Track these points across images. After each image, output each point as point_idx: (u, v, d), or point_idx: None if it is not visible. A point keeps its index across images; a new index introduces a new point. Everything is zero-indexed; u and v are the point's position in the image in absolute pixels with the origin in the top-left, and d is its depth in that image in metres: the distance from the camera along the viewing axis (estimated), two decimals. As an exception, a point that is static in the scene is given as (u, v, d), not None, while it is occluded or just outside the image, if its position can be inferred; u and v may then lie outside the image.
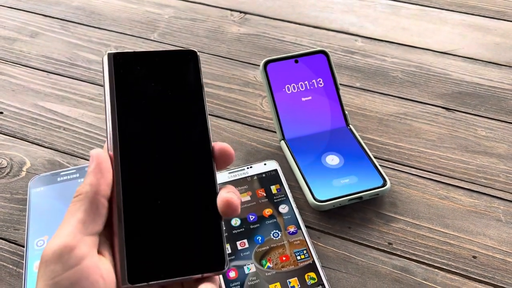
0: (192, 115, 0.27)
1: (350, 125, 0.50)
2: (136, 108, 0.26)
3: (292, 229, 0.42)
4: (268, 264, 0.39)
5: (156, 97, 0.27)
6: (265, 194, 0.44)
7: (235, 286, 0.38)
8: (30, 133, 0.51)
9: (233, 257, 0.40)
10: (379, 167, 0.45)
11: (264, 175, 0.46)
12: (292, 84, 0.50)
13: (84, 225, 0.24)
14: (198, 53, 0.28)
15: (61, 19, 0.68)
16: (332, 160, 0.47)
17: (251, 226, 0.42)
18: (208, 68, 0.60)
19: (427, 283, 0.39)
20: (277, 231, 0.42)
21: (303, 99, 0.50)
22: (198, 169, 0.27)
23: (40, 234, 0.41)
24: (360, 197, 0.43)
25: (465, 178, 0.47)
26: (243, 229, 0.42)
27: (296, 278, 0.39)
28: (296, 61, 0.50)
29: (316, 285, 0.38)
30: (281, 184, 0.45)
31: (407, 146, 0.50)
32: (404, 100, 0.56)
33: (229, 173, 0.46)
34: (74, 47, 0.63)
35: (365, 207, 0.44)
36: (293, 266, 0.39)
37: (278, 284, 0.38)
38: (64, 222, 0.24)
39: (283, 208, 0.43)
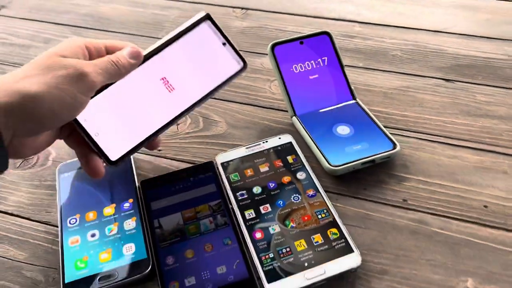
0: None
1: (357, 99, 0.52)
2: None
3: (311, 192, 0.44)
4: (291, 224, 0.42)
5: None
6: (282, 164, 0.47)
7: (262, 245, 0.40)
8: (53, 126, 0.54)
9: (257, 220, 0.42)
10: (388, 133, 0.48)
11: (279, 148, 0.48)
12: (299, 64, 0.53)
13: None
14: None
15: (71, 25, 0.71)
16: (343, 130, 0.49)
17: (272, 193, 0.44)
18: (216, 59, 0.62)
19: (444, 231, 0.41)
20: (297, 195, 0.44)
21: (311, 77, 0.53)
22: None
23: (72, 213, 0.43)
24: (373, 160, 0.46)
25: (470, 139, 0.50)
26: (265, 195, 0.44)
27: (319, 234, 0.41)
28: (301, 43, 0.53)
29: (338, 239, 0.40)
30: (297, 154, 0.48)
31: (412, 114, 0.53)
32: (405, 75, 0.59)
33: (246, 148, 0.48)
34: (87, 49, 0.66)
35: (377, 170, 0.47)
36: (315, 224, 0.41)
37: (302, 240, 0.40)
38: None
39: (301, 175, 0.46)
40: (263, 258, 0.39)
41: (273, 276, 0.38)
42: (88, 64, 0.35)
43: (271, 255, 0.39)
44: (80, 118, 0.38)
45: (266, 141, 0.49)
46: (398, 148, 0.46)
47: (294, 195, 0.44)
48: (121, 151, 0.40)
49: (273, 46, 0.52)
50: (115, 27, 0.70)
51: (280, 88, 0.52)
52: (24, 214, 0.45)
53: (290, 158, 0.47)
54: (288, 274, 0.38)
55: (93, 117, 0.39)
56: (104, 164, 0.39)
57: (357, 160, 0.45)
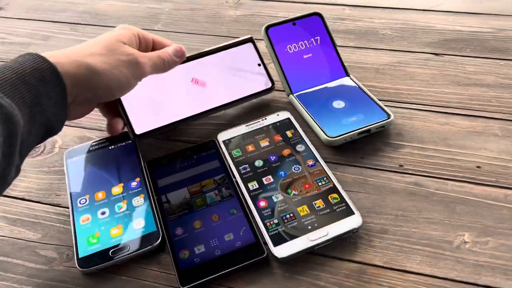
0: None
1: (351, 75, 0.54)
2: None
3: (310, 162, 0.46)
4: (293, 192, 0.43)
5: None
6: (281, 139, 0.48)
7: (266, 212, 0.42)
8: (57, 117, 0.55)
9: (261, 190, 0.44)
10: (381, 104, 0.50)
11: (278, 124, 0.50)
12: (293, 44, 0.55)
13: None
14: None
15: (69, 22, 0.73)
16: (339, 104, 0.51)
17: (273, 165, 0.46)
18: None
19: (439, 191, 0.43)
20: (297, 165, 0.46)
21: (305, 56, 0.55)
22: None
23: (82, 194, 0.45)
24: (369, 130, 0.48)
25: (461, 106, 0.52)
26: (267, 168, 0.46)
27: (320, 199, 0.42)
28: (294, 24, 0.55)
29: (339, 203, 0.42)
30: (295, 129, 0.49)
31: (404, 87, 0.55)
32: (395, 52, 0.61)
33: (246, 126, 0.50)
34: (86, 44, 0.67)
35: (373, 139, 0.49)
36: (316, 191, 0.43)
37: (305, 206, 0.42)
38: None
39: (300, 147, 0.47)
40: (268, 224, 0.41)
41: (278, 239, 0.40)
42: (143, 56, 0.42)
43: (276, 221, 0.41)
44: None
45: (265, 118, 0.51)
46: (392, 117, 0.48)
47: (295, 165, 0.46)
48: (145, 128, 0.48)
49: (267, 28, 0.54)
50: (112, 22, 0.72)
51: (275, 68, 0.54)
52: (35, 198, 0.46)
53: (289, 133, 0.49)
54: (293, 237, 0.40)
55: (131, 97, 0.47)
56: (131, 136, 0.48)
57: (354, 131, 0.47)
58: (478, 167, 0.45)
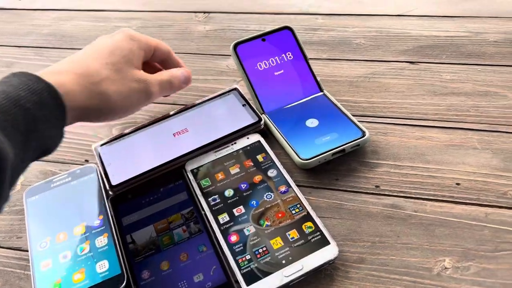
0: None
1: (324, 91, 0.52)
2: None
3: (283, 188, 0.44)
4: (266, 222, 0.41)
5: None
6: (252, 164, 0.46)
7: (238, 248, 0.39)
8: (19, 151, 0.53)
9: (231, 223, 0.41)
10: (356, 121, 0.48)
11: (248, 148, 0.48)
12: (263, 61, 0.53)
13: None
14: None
15: (34, 47, 0.70)
16: (312, 123, 0.49)
17: (244, 194, 0.44)
18: (181, 66, 0.62)
19: (418, 213, 0.41)
20: (269, 193, 0.43)
21: (276, 73, 0.52)
22: None
23: (42, 237, 0.42)
24: (343, 150, 0.45)
25: (438, 118, 0.50)
26: (237, 197, 0.43)
27: (294, 229, 0.40)
28: (263, 40, 0.53)
29: (314, 232, 0.40)
30: (266, 152, 0.47)
31: (379, 100, 0.53)
32: (370, 62, 0.59)
33: (215, 152, 0.48)
34: (50, 69, 0.65)
35: (348, 159, 0.46)
36: (289, 220, 0.41)
37: (278, 238, 0.40)
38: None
39: (272, 172, 0.45)
40: (239, 260, 0.39)
41: (251, 278, 0.37)
42: (154, 83, 0.42)
43: (248, 257, 0.39)
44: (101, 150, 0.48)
45: (235, 143, 0.48)
46: (367, 135, 0.46)
47: (267, 193, 0.43)
48: (121, 178, 0.46)
49: (236, 46, 0.52)
50: (78, 44, 0.69)
51: (246, 86, 0.52)
52: (-6, 243, 0.44)
53: (260, 157, 0.47)
54: (266, 274, 0.38)
55: (111, 152, 0.48)
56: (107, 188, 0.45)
57: (327, 151, 0.45)
58: (458, 184, 0.43)
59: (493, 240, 0.39)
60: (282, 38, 0.54)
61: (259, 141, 0.48)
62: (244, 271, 0.38)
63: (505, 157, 0.45)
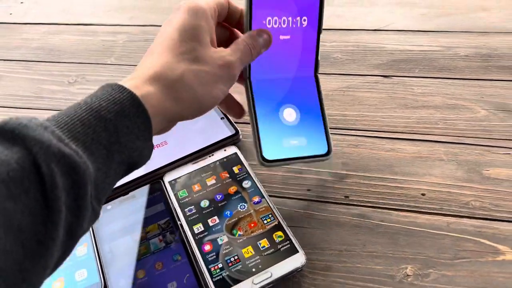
0: None
1: (318, 74, 0.45)
2: None
3: (256, 199, 0.45)
4: (238, 232, 0.43)
5: None
6: (228, 175, 0.48)
7: (211, 257, 0.41)
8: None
9: (206, 233, 0.43)
10: (328, 133, 0.45)
11: (225, 159, 0.50)
12: (275, 18, 0.42)
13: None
14: None
15: (22, 60, 0.72)
16: (290, 115, 0.45)
17: (219, 204, 0.46)
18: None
19: (384, 223, 0.43)
20: (243, 203, 0.45)
21: (282, 37, 0.43)
22: None
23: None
24: (304, 161, 0.44)
25: (407, 131, 0.52)
26: (212, 208, 0.45)
27: (265, 239, 0.42)
28: None
29: (284, 241, 0.42)
30: (242, 164, 0.49)
31: (352, 113, 0.55)
32: (345, 76, 0.61)
33: (193, 163, 0.50)
34: (38, 82, 0.67)
35: (320, 169, 0.48)
36: (261, 230, 0.43)
37: (250, 247, 0.42)
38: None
39: (246, 184, 0.47)
40: (212, 269, 0.40)
41: (222, 285, 0.39)
42: (235, 63, 0.37)
43: (220, 265, 0.41)
44: None
45: (212, 155, 0.50)
46: (330, 156, 0.44)
47: (241, 203, 0.45)
48: None
49: None
50: (66, 58, 0.71)
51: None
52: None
53: (235, 169, 0.49)
54: (236, 281, 0.39)
55: None
56: None
57: (289, 160, 0.43)
58: (423, 194, 0.45)
59: (453, 248, 0.41)
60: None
61: (235, 153, 0.50)
62: (216, 279, 0.40)
63: (469, 169, 0.47)
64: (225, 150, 0.51)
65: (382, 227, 0.43)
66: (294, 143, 0.44)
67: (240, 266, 0.40)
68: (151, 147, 0.33)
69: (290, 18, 0.43)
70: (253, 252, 0.41)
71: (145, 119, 0.31)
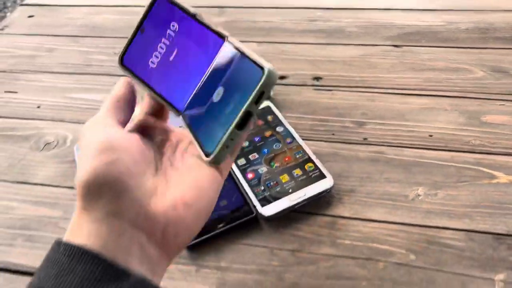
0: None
1: (227, 37, 0.33)
2: None
3: (289, 140, 0.54)
4: (276, 164, 0.51)
5: None
6: (264, 123, 0.56)
7: (254, 182, 0.49)
8: (66, 116, 0.63)
9: (248, 165, 0.51)
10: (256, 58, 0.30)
11: (260, 111, 0.58)
12: (153, 55, 0.36)
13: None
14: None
15: (70, 36, 0.80)
16: (218, 94, 0.32)
17: (258, 144, 0.54)
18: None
19: (398, 157, 0.51)
20: (278, 143, 0.53)
21: (171, 57, 0.35)
22: None
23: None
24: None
25: (417, 88, 0.60)
26: (252, 147, 0.53)
27: (298, 168, 0.50)
28: (142, 31, 0.37)
29: (314, 170, 0.50)
30: (274, 114, 0.57)
31: (368, 75, 0.63)
32: (361, 46, 0.69)
33: (233, 114, 0.58)
34: (86, 54, 0.75)
35: (343, 118, 0.57)
36: (294, 162, 0.51)
37: (286, 175, 0.50)
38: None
39: (279, 128, 0.55)
40: (256, 191, 0.49)
41: (265, 202, 0.47)
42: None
43: (262, 188, 0.49)
44: None
45: (249, 107, 0.59)
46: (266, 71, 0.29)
47: (276, 143, 0.54)
48: None
49: (121, 61, 0.37)
50: (108, 33, 0.80)
51: (150, 95, 0.36)
52: (53, 183, 0.53)
53: (269, 118, 0.57)
54: (276, 199, 0.47)
55: None
56: None
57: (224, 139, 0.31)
58: (431, 135, 0.53)
59: (456, 174, 0.49)
60: (160, 11, 0.36)
61: (268, 106, 0.58)
62: (259, 197, 0.48)
63: (470, 116, 0.55)
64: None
65: (396, 161, 0.51)
66: (228, 111, 0.31)
67: (279, 188, 0.49)
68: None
69: (162, 40, 0.36)
70: (289, 178, 0.49)
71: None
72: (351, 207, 0.47)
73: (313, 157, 0.51)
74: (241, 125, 0.30)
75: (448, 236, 0.44)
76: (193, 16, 0.35)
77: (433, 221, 0.45)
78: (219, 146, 0.30)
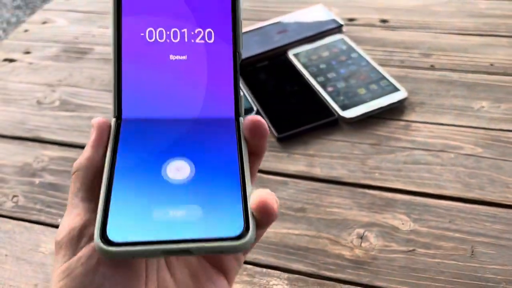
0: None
1: (241, 117, 0.27)
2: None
3: (363, 63, 0.60)
4: (353, 80, 0.58)
5: None
6: (338, 51, 0.63)
7: (334, 93, 0.56)
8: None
9: (328, 81, 0.58)
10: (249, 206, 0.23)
11: (334, 41, 0.65)
12: (159, 29, 0.27)
13: (90, 203, 0.24)
14: None
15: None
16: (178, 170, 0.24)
17: (335, 66, 0.61)
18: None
19: (462, 79, 0.58)
20: (353, 65, 0.60)
21: (173, 57, 0.27)
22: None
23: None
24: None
25: (476, 29, 0.66)
26: (329, 68, 0.61)
27: (374, 84, 0.57)
28: None
29: (388, 85, 0.56)
30: (347, 44, 0.64)
31: (431, 19, 0.70)
32: (421, -2, 0.76)
33: (309, 44, 0.65)
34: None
35: (416, 53, 0.63)
36: (369, 80, 0.58)
37: (362, 88, 0.57)
38: (70, 205, 0.24)
39: (354, 55, 0.62)
40: (336, 99, 0.56)
41: (344, 108, 0.54)
42: None
43: (342, 98, 0.56)
44: None
45: (324, 38, 0.66)
46: (247, 239, 0.22)
47: (351, 65, 0.60)
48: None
49: None
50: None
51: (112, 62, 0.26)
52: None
53: (344, 47, 0.64)
54: (356, 105, 0.54)
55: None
56: None
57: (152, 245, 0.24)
58: (491, 64, 0.60)
59: (517, 93, 0.55)
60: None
61: (342, 38, 0.65)
62: (340, 104, 0.55)
63: (527, 50, 0.61)
64: (333, 36, 0.66)
65: (460, 82, 0.57)
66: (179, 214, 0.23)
67: (357, 98, 0.55)
68: None
69: (184, 30, 0.27)
70: (366, 91, 0.56)
71: None
72: (423, 115, 0.53)
73: (387, 75, 0.58)
74: None
75: (511, 136, 0.50)
76: (237, 55, 0.28)
77: (497, 126, 0.51)
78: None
